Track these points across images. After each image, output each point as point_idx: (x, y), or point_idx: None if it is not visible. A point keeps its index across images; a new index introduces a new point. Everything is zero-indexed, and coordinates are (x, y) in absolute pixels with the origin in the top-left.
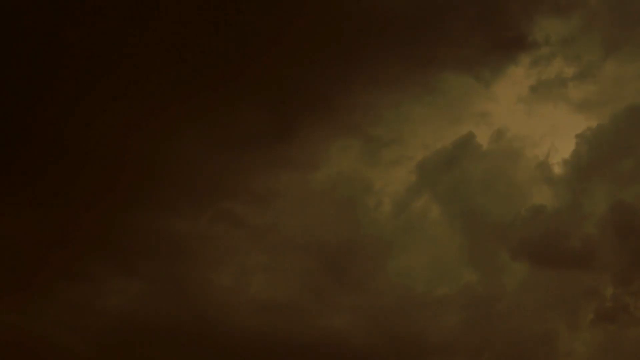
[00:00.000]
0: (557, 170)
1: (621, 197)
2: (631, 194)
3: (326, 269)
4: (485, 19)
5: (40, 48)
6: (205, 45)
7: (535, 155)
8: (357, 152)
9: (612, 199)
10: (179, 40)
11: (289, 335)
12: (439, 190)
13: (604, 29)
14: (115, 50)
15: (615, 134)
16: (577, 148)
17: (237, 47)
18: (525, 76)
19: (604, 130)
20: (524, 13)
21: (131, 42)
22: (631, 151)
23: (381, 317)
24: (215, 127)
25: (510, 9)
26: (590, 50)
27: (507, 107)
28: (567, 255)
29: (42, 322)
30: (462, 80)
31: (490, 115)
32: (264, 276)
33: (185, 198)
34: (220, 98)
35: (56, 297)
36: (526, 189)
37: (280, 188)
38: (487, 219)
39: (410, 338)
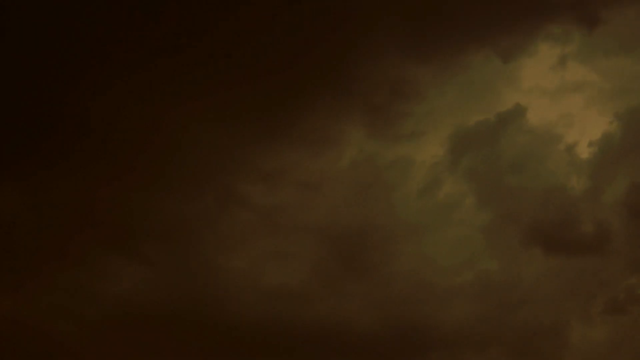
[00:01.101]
0: (585, 152)
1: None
2: None
3: (338, 254)
4: None
5: (74, 32)
6: (213, 20)
7: (563, 137)
8: (377, 130)
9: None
10: (188, 24)
11: (296, 322)
12: (462, 172)
13: None
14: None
15: None
16: (608, 129)
17: (245, 18)
18: (553, 52)
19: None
20: None
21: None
22: None
23: (391, 305)
24: (223, 106)
25: None
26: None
27: (535, 85)
28: (581, 241)
29: (38, 308)
30: (488, 56)
31: (518, 93)
32: (274, 261)
33: (192, 179)
34: (229, 77)
35: (53, 282)
36: (551, 172)
37: (294, 168)
38: (510, 203)
39: (419, 328)
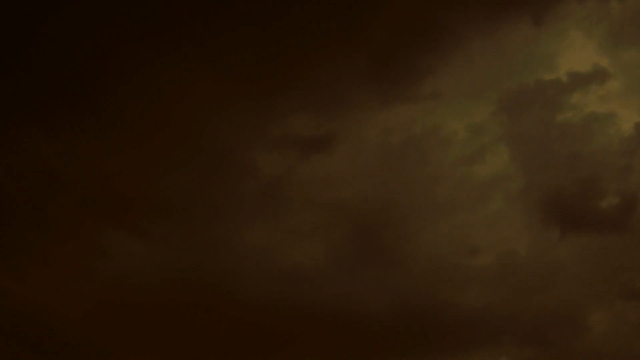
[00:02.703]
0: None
1: None
2: None
3: (357, 233)
4: None
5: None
6: None
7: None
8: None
9: None
10: None
11: (308, 304)
12: (506, 142)
13: None
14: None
15: None
16: None
17: None
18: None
19: None
20: None
21: None
22: None
23: (406, 288)
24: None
25: None
26: None
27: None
28: (601, 217)
29: (39, 287)
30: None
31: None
32: (287, 240)
33: (200, 151)
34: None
35: (55, 260)
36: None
37: (311, 138)
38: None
39: (433, 312)
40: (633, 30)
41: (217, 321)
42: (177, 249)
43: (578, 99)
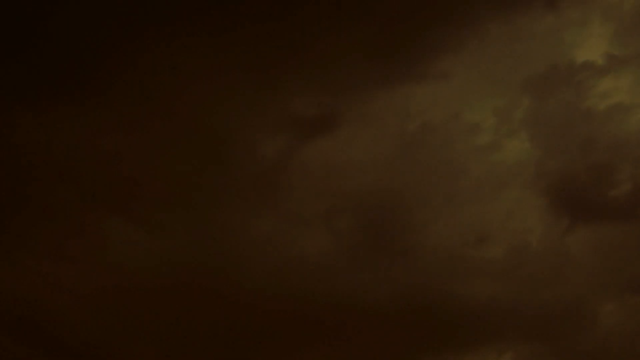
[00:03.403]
0: None
1: None
2: None
3: (369, 223)
4: None
5: None
6: None
7: None
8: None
9: None
10: None
11: (311, 296)
12: (520, 131)
13: None
14: None
15: None
16: None
17: None
18: None
19: None
20: None
21: None
22: None
23: (412, 280)
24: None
25: None
26: None
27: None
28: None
29: (36, 277)
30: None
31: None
32: (294, 229)
33: (203, 133)
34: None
35: (52, 249)
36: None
37: (322, 120)
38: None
39: (437, 305)
40: None
41: (221, 312)
42: (180, 238)
43: (606, 86)
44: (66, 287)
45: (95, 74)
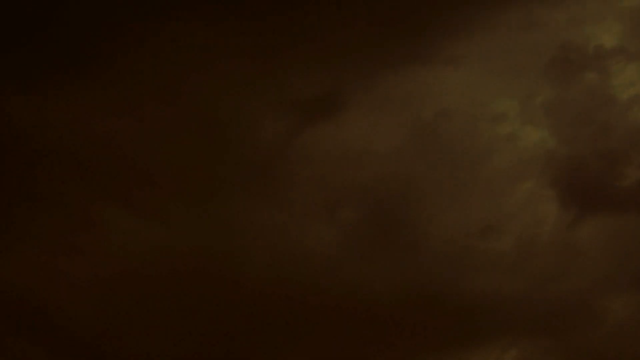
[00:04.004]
0: None
1: None
2: None
3: (379, 217)
4: None
5: None
6: None
7: None
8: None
9: None
10: None
11: (315, 287)
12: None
13: None
14: None
15: None
16: None
17: None
18: None
19: None
20: None
21: None
22: None
23: (418, 274)
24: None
25: None
26: None
27: None
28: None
29: (23, 265)
30: None
31: None
32: (302, 220)
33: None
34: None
35: (39, 235)
36: None
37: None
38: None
39: (442, 299)
40: None
41: (224, 302)
42: (176, 227)
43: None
44: (68, 277)
45: (96, 58)
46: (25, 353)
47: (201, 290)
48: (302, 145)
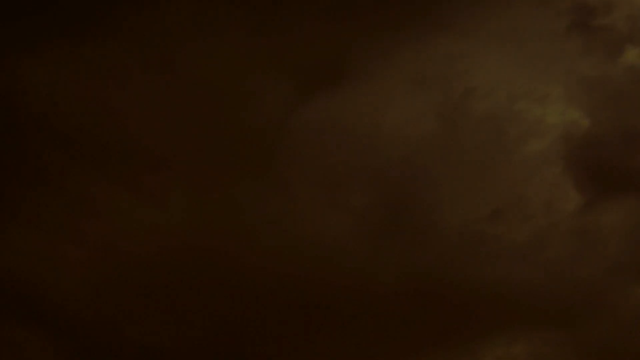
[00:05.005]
0: None
1: None
2: None
3: (389, 205)
4: None
5: None
6: None
7: None
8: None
9: None
10: None
11: (327, 279)
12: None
13: None
14: None
15: None
16: None
17: None
18: None
19: None
20: None
21: None
22: None
23: (428, 262)
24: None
25: None
26: None
27: None
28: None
29: (20, 250)
30: None
31: None
32: (310, 209)
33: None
34: None
35: (53, 226)
36: None
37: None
38: None
39: (452, 289)
40: None
41: (225, 292)
42: (177, 211)
43: None
44: (69, 262)
45: (94, 23)
46: (26, 338)
47: (204, 275)
48: (307, 122)
